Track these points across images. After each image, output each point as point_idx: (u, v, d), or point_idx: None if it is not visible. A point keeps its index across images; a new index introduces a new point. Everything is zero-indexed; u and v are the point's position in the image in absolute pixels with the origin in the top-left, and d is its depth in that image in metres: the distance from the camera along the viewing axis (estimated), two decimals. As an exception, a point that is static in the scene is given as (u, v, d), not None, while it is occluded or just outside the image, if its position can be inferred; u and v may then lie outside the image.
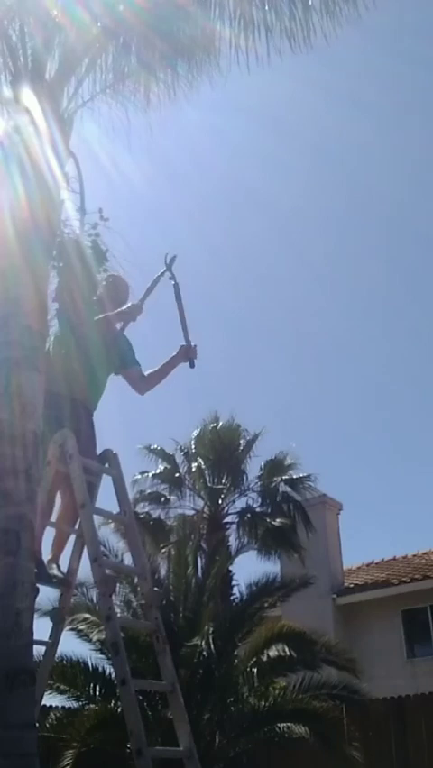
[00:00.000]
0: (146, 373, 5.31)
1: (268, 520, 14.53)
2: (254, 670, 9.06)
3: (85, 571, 5.07)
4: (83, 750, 8.09)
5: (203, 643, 8.27)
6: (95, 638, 8.82)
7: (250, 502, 15.17)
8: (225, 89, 5.51)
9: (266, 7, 4.97)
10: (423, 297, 27.08)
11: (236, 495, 15.29)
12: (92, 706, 8.70)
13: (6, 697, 3.43)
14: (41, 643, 4.76)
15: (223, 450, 15.22)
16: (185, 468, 15.49)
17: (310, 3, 4.93)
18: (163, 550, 11.77)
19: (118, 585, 7.46)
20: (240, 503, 15.25)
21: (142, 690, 7.03)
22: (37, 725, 3.84)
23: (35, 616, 3.84)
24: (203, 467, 15.11)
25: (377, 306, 26.67)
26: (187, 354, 5.23)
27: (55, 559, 4.99)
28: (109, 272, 5.60)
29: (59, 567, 4.99)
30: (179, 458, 15.66)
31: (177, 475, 15.35)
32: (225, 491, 15.16)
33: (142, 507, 14.86)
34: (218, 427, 15.59)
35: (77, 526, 4.96)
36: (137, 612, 8.15)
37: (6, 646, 3.52)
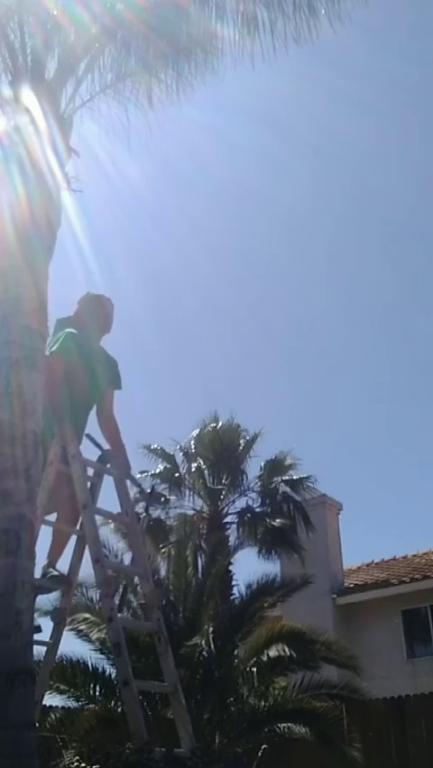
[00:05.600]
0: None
1: (268, 520, 14.51)
2: (254, 670, 9.05)
3: (85, 570, 5.07)
4: (83, 750, 8.08)
5: (203, 643, 8.25)
6: (95, 638, 8.80)
7: (250, 502, 15.17)
8: (225, 88, 5.52)
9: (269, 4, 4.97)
10: (424, 297, 27.09)
11: (236, 495, 15.28)
12: (92, 706, 8.68)
13: (6, 697, 3.43)
14: (41, 643, 4.76)
15: (223, 450, 15.21)
16: (185, 468, 15.47)
17: None
18: (163, 550, 11.76)
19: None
20: (240, 503, 15.25)
21: (143, 690, 7.02)
22: (37, 725, 3.85)
23: (35, 616, 3.84)
24: (203, 467, 15.10)
25: (378, 305, 26.69)
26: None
27: (52, 563, 4.95)
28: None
29: (56, 570, 4.97)
30: (179, 458, 15.65)
31: (177, 475, 15.34)
32: (224, 491, 15.14)
33: (142, 507, 14.83)
34: (218, 427, 15.58)
35: (78, 527, 4.96)
36: (137, 612, 8.14)
37: (6, 646, 3.52)
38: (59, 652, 5.46)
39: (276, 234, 23.03)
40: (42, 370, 4.19)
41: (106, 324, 5.34)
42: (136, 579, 5.41)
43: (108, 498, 5.20)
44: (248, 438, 15.56)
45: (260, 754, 8.71)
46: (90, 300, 5.32)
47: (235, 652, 9.13)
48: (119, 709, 7.57)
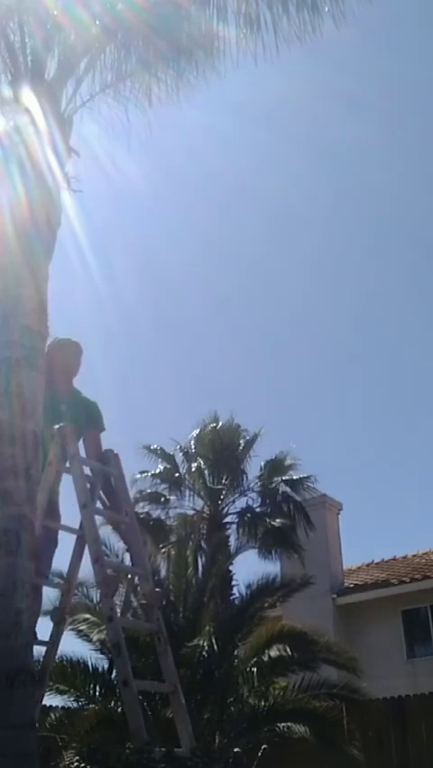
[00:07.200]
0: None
1: (268, 520, 14.52)
2: (254, 670, 9.04)
3: (85, 570, 5.07)
4: (83, 750, 8.07)
5: (203, 643, 8.25)
6: (95, 638, 8.79)
7: (250, 502, 15.18)
8: (225, 88, 5.53)
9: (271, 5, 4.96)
10: (421, 293, 27.10)
11: (236, 495, 15.29)
12: (92, 706, 8.68)
13: (6, 697, 3.43)
14: (41, 643, 4.76)
15: (223, 450, 15.21)
16: (185, 468, 15.49)
17: None
18: (163, 550, 11.75)
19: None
20: (240, 503, 15.27)
21: (142, 690, 7.02)
22: (37, 725, 3.84)
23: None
24: (203, 467, 15.10)
25: (376, 303, 26.67)
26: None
27: None
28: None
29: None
30: (179, 458, 15.66)
31: (177, 475, 15.35)
32: (224, 491, 15.15)
33: (142, 507, 14.86)
34: (218, 427, 15.59)
35: (78, 526, 4.96)
36: (137, 612, 8.13)
37: (6, 646, 3.52)
38: (59, 652, 5.46)
39: (276, 232, 23.05)
40: (42, 370, 4.19)
41: (73, 368, 5.39)
42: (136, 579, 5.40)
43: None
44: (248, 438, 15.57)
45: (260, 754, 8.71)
46: (56, 346, 5.31)
47: (235, 652, 9.12)
48: (119, 709, 7.56)
